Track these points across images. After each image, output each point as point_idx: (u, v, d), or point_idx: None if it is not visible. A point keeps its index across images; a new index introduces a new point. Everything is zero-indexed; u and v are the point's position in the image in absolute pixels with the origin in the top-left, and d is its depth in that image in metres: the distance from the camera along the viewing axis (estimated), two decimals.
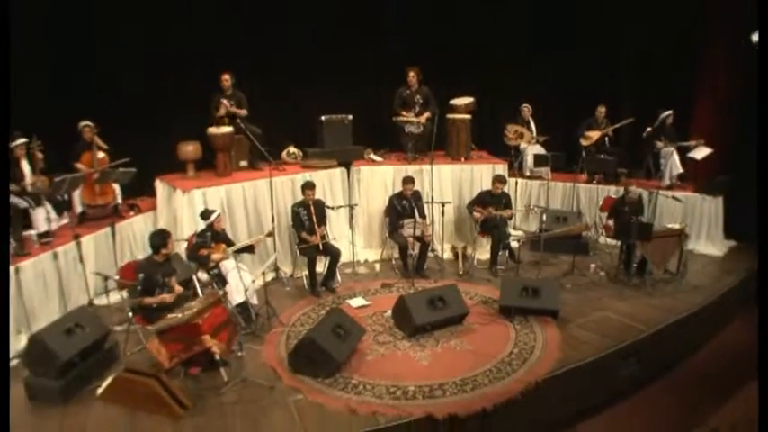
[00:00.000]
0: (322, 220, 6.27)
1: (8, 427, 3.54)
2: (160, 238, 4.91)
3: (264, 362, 4.93)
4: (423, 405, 4.29)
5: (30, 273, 5.29)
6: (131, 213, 6.61)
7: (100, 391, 4.42)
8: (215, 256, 5.34)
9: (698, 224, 7.50)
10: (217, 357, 4.53)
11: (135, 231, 6.55)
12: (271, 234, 5.93)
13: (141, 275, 4.72)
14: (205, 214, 5.55)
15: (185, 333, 4.43)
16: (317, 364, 4.65)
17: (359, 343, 5.07)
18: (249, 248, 5.68)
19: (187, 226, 6.11)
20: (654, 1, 7.92)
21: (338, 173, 7.26)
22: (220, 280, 5.36)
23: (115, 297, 5.97)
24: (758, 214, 4.72)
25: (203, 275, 5.44)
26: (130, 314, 4.95)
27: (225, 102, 6.74)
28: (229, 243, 5.59)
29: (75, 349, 4.55)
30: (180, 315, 4.45)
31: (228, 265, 5.34)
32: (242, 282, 5.21)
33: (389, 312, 5.68)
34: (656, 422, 5.00)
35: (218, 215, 5.56)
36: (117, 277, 5.11)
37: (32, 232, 5.68)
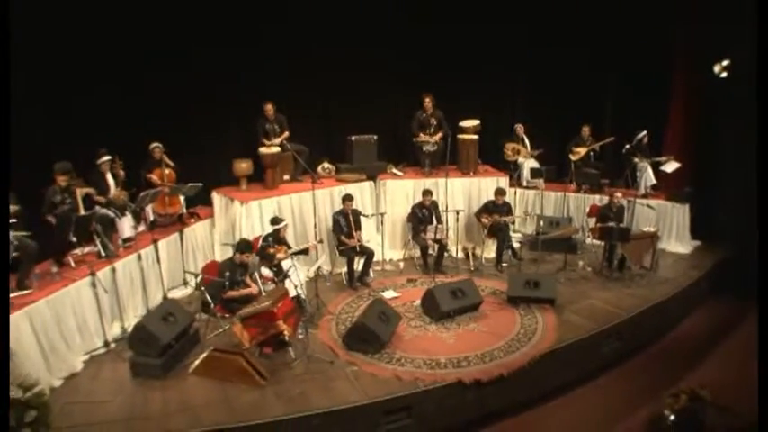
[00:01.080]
0: (358, 225, 7.18)
1: (8, 427, 3.80)
2: (247, 246, 5.86)
3: (322, 342, 5.81)
4: (453, 373, 5.21)
5: (120, 272, 6.13)
6: (192, 221, 7.39)
7: (192, 366, 5.28)
8: (279, 255, 6.24)
9: (668, 227, 8.33)
10: (286, 338, 5.43)
11: (197, 236, 7.40)
12: (321, 241, 6.79)
13: (227, 273, 5.68)
14: (275, 221, 6.45)
15: (263, 319, 5.31)
16: (367, 342, 5.58)
17: (397, 327, 6.00)
18: (305, 251, 6.58)
19: (245, 232, 6.97)
20: (631, 42, 8.62)
21: (367, 185, 8.11)
22: (282, 275, 6.21)
23: (184, 292, 7.00)
24: (758, 215, 4.71)
25: (265, 271, 6.30)
26: (212, 304, 5.82)
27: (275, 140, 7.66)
28: (289, 246, 6.51)
29: (173, 333, 5.41)
30: (261, 304, 5.35)
31: (288, 264, 6.23)
32: (298, 277, 6.15)
33: (418, 302, 6.57)
34: (633, 388, 5.83)
35: (285, 224, 6.47)
36: (201, 275, 6.03)
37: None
